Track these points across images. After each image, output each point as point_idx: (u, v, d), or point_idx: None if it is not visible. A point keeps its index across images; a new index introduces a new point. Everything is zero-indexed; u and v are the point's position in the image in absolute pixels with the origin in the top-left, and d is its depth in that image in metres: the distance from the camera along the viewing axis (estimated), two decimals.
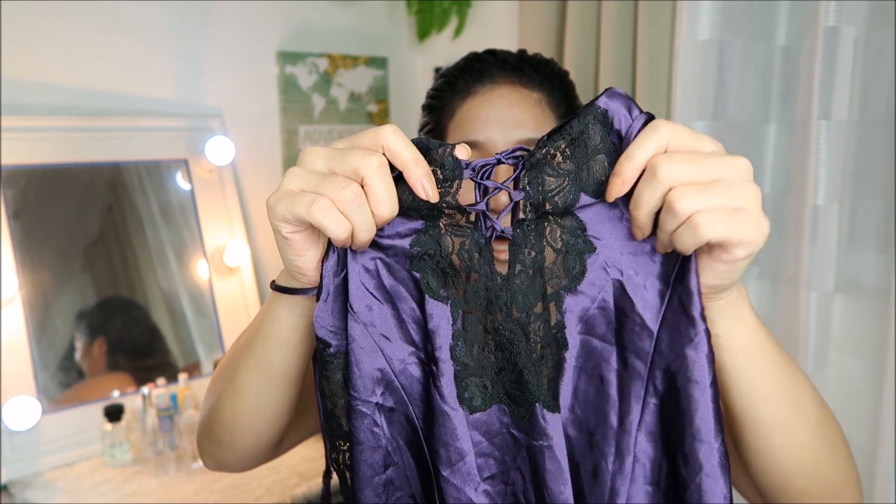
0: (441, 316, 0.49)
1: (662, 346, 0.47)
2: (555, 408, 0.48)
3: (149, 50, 1.62)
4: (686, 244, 0.44)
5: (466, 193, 0.49)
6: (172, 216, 1.65)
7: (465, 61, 0.79)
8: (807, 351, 1.13)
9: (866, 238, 1.14)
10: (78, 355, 1.51)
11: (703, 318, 0.46)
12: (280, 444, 0.72)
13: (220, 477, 1.36)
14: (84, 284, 1.55)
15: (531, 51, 0.82)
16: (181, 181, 1.66)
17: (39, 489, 1.33)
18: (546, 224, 0.49)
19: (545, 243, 0.49)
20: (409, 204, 0.48)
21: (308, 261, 0.51)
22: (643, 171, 0.45)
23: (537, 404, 0.48)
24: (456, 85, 0.77)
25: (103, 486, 1.34)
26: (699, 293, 0.46)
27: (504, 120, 0.73)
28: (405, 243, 0.50)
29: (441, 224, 0.50)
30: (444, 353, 0.49)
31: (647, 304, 0.47)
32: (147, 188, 1.62)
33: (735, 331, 0.49)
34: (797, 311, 1.13)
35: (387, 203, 0.46)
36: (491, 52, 0.79)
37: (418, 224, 0.50)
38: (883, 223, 1.10)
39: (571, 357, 0.49)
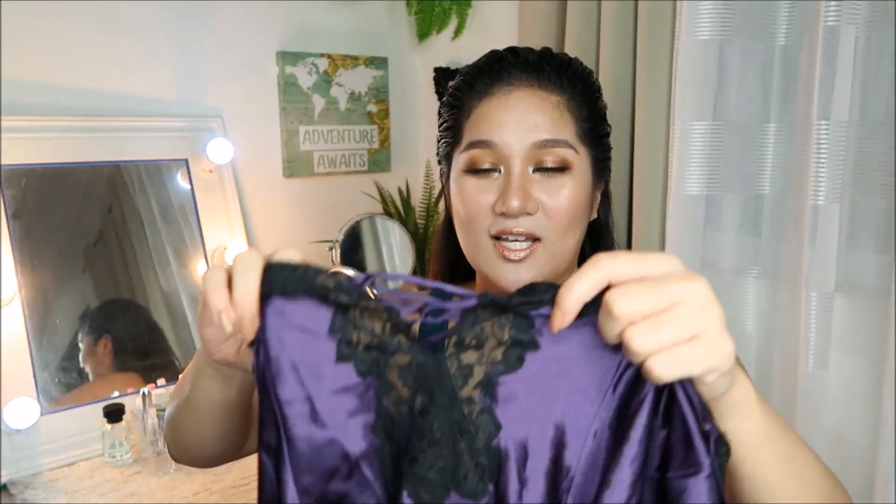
0: (366, 393, 0.49)
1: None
2: (474, 496, 0.46)
3: (149, 50, 1.62)
4: (652, 381, 0.43)
5: None
6: (172, 216, 1.65)
7: (486, 60, 0.78)
8: (807, 351, 1.13)
9: (866, 238, 1.14)
10: (81, 356, 1.50)
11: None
12: (245, 446, 0.75)
13: (220, 477, 1.36)
14: (84, 285, 1.55)
15: None
16: (181, 181, 1.66)
17: (39, 489, 1.33)
18: (494, 319, 0.47)
19: (487, 335, 0.47)
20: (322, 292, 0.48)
21: (225, 354, 0.56)
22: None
23: (453, 492, 0.47)
24: (474, 85, 0.76)
25: (103, 486, 1.34)
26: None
27: (520, 123, 0.72)
28: (324, 331, 0.48)
29: (353, 313, 0.48)
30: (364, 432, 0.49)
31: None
32: (147, 188, 1.62)
33: (737, 425, 0.48)
34: (797, 311, 1.13)
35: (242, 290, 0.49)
36: (512, 51, 0.77)
37: (328, 313, 0.48)
38: (883, 223, 1.10)
39: (508, 439, 0.47)
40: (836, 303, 1.15)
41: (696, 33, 1.18)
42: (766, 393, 1.19)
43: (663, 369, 0.41)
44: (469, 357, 0.47)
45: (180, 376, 0.73)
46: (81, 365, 1.50)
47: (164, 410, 1.40)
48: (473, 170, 0.73)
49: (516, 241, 0.71)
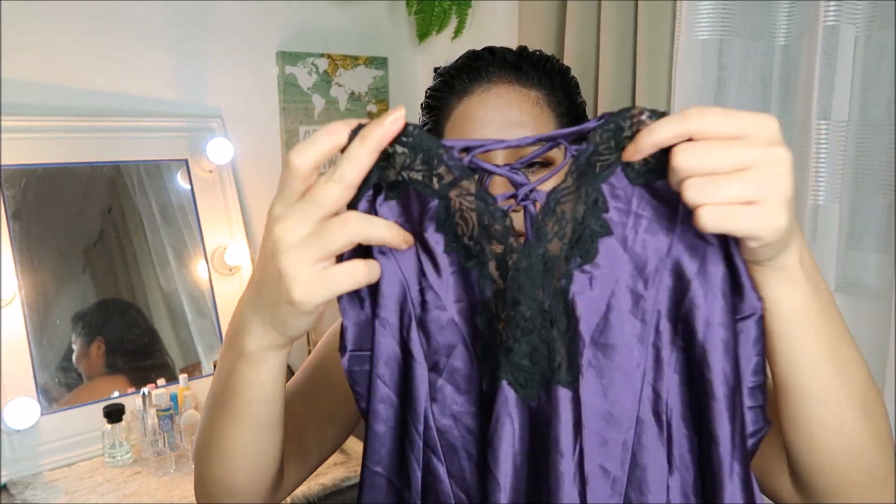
0: (474, 281, 0.51)
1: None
2: (568, 384, 0.49)
3: (149, 50, 1.62)
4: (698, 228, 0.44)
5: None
6: (172, 216, 1.65)
7: (463, 60, 0.78)
8: None
9: (866, 238, 1.14)
10: (74, 357, 1.50)
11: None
12: (279, 487, 0.70)
13: None
14: (84, 285, 1.55)
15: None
16: (181, 181, 1.66)
17: (39, 489, 1.33)
18: (574, 198, 0.49)
19: (568, 219, 0.49)
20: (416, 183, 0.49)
21: (318, 315, 0.50)
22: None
23: (550, 379, 0.49)
24: (453, 85, 0.76)
25: (103, 486, 1.34)
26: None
27: (501, 120, 0.72)
28: (429, 225, 0.51)
29: (453, 197, 0.49)
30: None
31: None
32: (147, 188, 1.62)
33: (777, 295, 0.48)
34: None
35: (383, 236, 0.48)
36: (489, 50, 0.78)
37: (433, 203, 0.50)
38: (883, 223, 1.10)
39: (587, 329, 0.50)
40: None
41: (695, 33, 1.18)
42: None
43: (707, 219, 0.42)
44: (554, 247, 0.49)
45: (209, 392, 0.64)
46: (77, 367, 1.50)
47: (164, 410, 1.41)
48: None
49: None
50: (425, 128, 0.80)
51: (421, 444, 0.52)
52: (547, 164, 0.72)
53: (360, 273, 0.47)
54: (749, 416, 0.48)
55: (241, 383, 0.56)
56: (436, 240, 0.51)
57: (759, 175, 0.42)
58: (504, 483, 0.48)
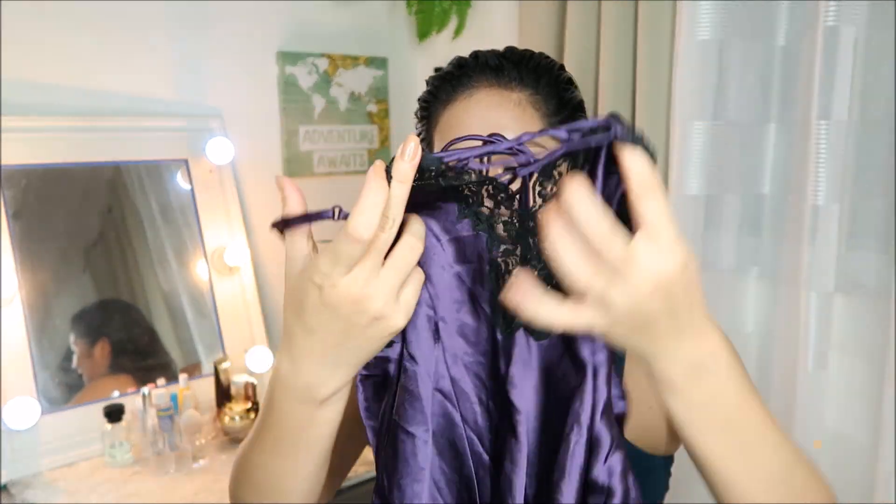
0: (482, 246, 0.57)
1: None
2: None
3: (149, 50, 1.62)
4: None
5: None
6: (172, 216, 1.65)
7: (449, 67, 0.78)
8: (807, 351, 1.13)
9: (866, 238, 1.14)
10: (76, 357, 1.50)
11: None
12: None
13: (221, 477, 1.36)
14: (84, 285, 1.55)
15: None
16: (181, 181, 1.66)
17: (39, 489, 1.33)
18: (569, 161, 0.54)
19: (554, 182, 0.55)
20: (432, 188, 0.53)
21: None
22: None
23: None
24: (438, 94, 0.77)
25: (103, 486, 1.34)
26: None
27: (482, 125, 0.72)
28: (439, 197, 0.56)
29: (464, 188, 0.55)
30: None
31: None
32: (147, 188, 1.62)
33: (663, 400, 0.49)
34: (797, 311, 1.13)
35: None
36: (474, 56, 0.77)
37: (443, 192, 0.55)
38: (883, 223, 1.10)
39: None
40: (835, 303, 1.15)
41: (695, 33, 1.18)
42: (765, 393, 1.19)
43: (549, 241, 0.42)
44: None
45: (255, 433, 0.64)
46: (74, 366, 1.50)
47: (164, 410, 1.41)
48: None
49: None
50: (420, 137, 0.81)
51: (436, 393, 0.57)
52: None
53: (423, 274, 0.53)
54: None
55: (312, 425, 0.57)
56: (445, 209, 0.56)
57: (607, 276, 0.41)
58: (528, 415, 0.54)
